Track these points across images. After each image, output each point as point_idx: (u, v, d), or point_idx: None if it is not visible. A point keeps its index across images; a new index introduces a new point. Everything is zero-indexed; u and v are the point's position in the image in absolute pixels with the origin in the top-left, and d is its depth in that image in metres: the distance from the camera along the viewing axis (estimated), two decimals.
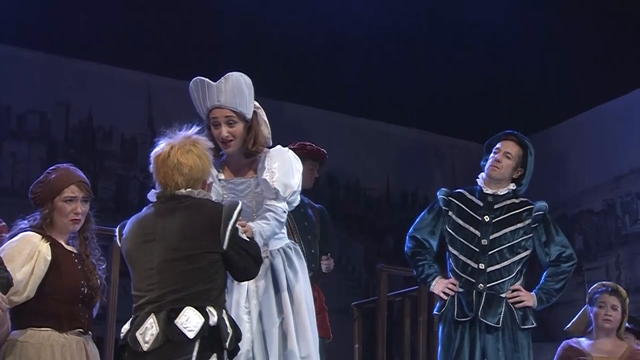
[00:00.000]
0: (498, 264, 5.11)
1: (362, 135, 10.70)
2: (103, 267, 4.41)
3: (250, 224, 4.22)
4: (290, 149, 4.73)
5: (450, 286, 5.15)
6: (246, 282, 4.24)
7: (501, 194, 5.26)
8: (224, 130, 4.28)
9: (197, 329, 3.70)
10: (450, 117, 10.36)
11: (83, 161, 8.97)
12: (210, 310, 3.76)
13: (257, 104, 4.40)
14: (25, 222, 4.26)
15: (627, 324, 6.14)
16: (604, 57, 9.04)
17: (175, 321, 3.71)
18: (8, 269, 3.94)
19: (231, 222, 3.82)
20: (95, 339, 4.34)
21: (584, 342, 5.65)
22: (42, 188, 4.27)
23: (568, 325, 5.84)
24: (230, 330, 3.80)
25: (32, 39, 8.90)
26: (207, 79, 4.30)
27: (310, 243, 6.07)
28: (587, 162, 10.30)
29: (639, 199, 9.77)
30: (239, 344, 3.90)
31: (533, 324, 5.11)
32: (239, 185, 4.39)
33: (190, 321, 3.70)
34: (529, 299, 5.10)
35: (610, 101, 9.97)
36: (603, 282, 5.89)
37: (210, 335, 3.74)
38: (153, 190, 3.98)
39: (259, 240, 4.16)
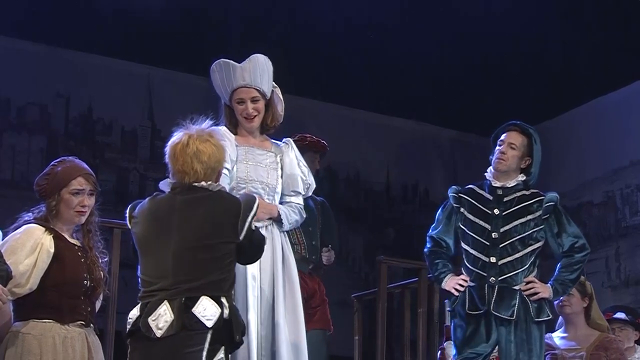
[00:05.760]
0: (510, 256, 5.05)
1: (362, 127, 10.71)
2: (106, 259, 4.41)
3: (279, 206, 4.57)
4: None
5: (462, 282, 5.11)
6: None
7: (510, 186, 5.21)
8: (250, 107, 4.59)
9: (214, 318, 3.74)
10: (450, 109, 10.37)
11: (83, 153, 8.97)
12: (223, 301, 3.80)
13: (273, 83, 4.69)
14: (30, 214, 4.26)
15: (625, 316, 6.15)
16: (603, 49, 9.04)
17: (193, 310, 3.74)
18: (11, 261, 3.95)
19: (251, 215, 3.90)
20: (98, 331, 4.35)
21: (555, 336, 5.64)
22: (48, 180, 4.27)
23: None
24: (242, 322, 3.89)
25: (33, 31, 8.90)
26: (231, 61, 4.60)
27: (311, 235, 6.08)
28: (587, 155, 10.31)
29: (639, 191, 9.78)
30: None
31: (549, 316, 5.06)
32: (258, 155, 4.63)
33: (207, 310, 3.74)
34: (545, 290, 5.04)
35: (610, 93, 9.98)
36: None
37: (222, 328, 3.78)
38: (168, 179, 4.02)
39: (286, 222, 4.55)
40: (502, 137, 5.26)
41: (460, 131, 10.90)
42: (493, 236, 5.09)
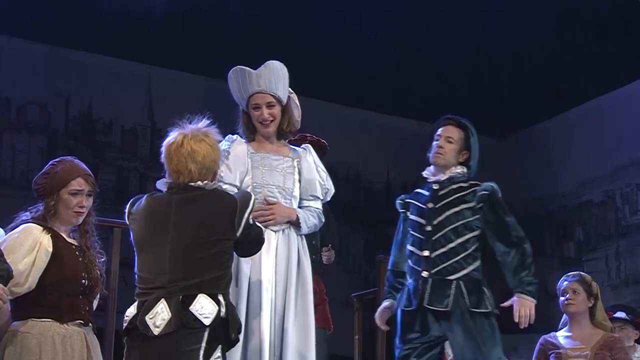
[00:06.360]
0: (443, 247, 4.93)
1: (362, 126, 10.71)
2: (103, 259, 4.41)
3: (298, 209, 4.64)
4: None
5: (380, 320, 5.18)
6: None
7: (443, 179, 5.12)
8: (265, 112, 4.65)
9: (212, 316, 3.77)
10: (450, 108, 10.35)
11: (83, 152, 8.98)
12: (220, 299, 3.82)
13: (290, 89, 4.75)
14: (28, 213, 4.27)
15: (625, 315, 6.15)
16: (602, 48, 9.04)
17: (190, 307, 3.76)
18: (10, 260, 3.95)
19: (247, 211, 3.95)
20: (96, 330, 4.35)
21: (560, 335, 5.63)
22: (47, 180, 4.27)
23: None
24: (239, 320, 3.92)
25: (33, 30, 8.90)
26: (247, 68, 4.65)
27: (311, 235, 6.06)
28: (587, 154, 10.32)
29: (639, 190, 9.78)
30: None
31: (488, 309, 4.88)
32: (273, 160, 4.68)
33: (205, 308, 3.78)
34: (526, 305, 4.86)
35: (609, 92, 9.98)
36: (567, 273, 5.83)
37: (219, 326, 3.81)
38: (164, 179, 4.05)
39: (305, 226, 4.61)
40: (439, 131, 5.20)
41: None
42: (427, 229, 5.00)
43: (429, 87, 9.84)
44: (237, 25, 8.89)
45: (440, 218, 5.01)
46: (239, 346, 4.26)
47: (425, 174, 5.22)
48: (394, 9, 8.81)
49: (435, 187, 5.13)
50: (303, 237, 4.71)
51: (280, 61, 4.77)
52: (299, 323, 4.49)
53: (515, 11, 8.63)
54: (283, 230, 4.59)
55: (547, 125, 10.77)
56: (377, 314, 5.25)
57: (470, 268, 4.95)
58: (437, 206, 5.05)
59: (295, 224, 4.62)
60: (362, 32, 9.18)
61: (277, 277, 4.50)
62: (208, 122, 4.09)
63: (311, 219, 4.69)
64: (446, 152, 5.14)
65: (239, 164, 4.59)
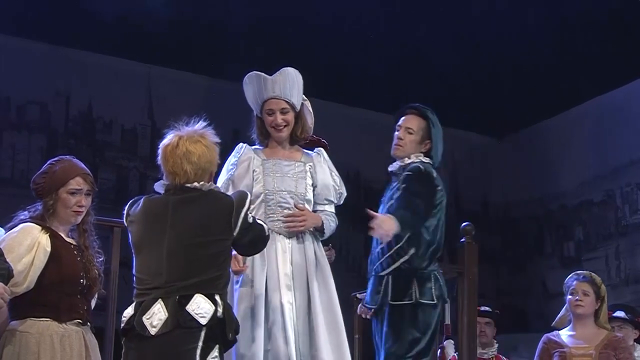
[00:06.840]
0: (381, 243, 4.84)
1: (362, 126, 10.70)
2: (101, 259, 4.41)
3: (322, 215, 4.69)
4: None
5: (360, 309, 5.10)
6: (276, 260, 4.53)
7: (392, 169, 4.96)
8: (279, 118, 4.68)
9: (208, 315, 3.78)
10: (450, 107, 10.36)
11: (83, 152, 9.00)
12: (217, 299, 3.83)
13: (304, 96, 4.79)
14: (26, 213, 4.26)
15: (624, 314, 6.16)
16: (602, 47, 9.04)
17: (186, 307, 3.77)
18: (8, 259, 3.94)
19: (244, 210, 3.95)
20: (94, 330, 4.35)
21: (563, 334, 5.62)
22: (45, 179, 4.26)
23: (554, 322, 5.79)
24: (236, 320, 3.92)
25: (33, 29, 8.91)
26: (262, 74, 4.69)
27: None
28: (587, 153, 10.32)
29: (639, 189, 9.79)
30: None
31: (411, 300, 4.74)
32: (284, 166, 4.71)
33: (201, 308, 3.78)
34: (387, 219, 4.52)
35: (609, 92, 9.98)
36: (576, 272, 5.81)
37: (216, 326, 3.81)
38: (161, 181, 4.07)
39: (327, 231, 4.69)
40: (400, 121, 5.03)
41: (460, 129, 10.89)
42: None
43: (429, 87, 9.84)
44: (237, 25, 8.90)
45: (385, 212, 4.89)
46: (260, 353, 4.33)
47: (389, 167, 5.07)
48: (394, 9, 8.82)
49: (392, 179, 5.02)
50: (318, 239, 4.74)
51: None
52: (328, 319, 4.52)
53: (515, 11, 8.64)
54: (297, 237, 4.63)
55: (547, 124, 10.78)
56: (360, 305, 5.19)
57: (401, 261, 4.80)
58: (384, 200, 4.98)
59: (319, 229, 4.68)
60: (362, 32, 9.18)
61: (294, 283, 4.54)
62: (205, 124, 4.10)
63: (331, 223, 4.75)
64: (405, 144, 4.97)
65: (244, 178, 4.64)
